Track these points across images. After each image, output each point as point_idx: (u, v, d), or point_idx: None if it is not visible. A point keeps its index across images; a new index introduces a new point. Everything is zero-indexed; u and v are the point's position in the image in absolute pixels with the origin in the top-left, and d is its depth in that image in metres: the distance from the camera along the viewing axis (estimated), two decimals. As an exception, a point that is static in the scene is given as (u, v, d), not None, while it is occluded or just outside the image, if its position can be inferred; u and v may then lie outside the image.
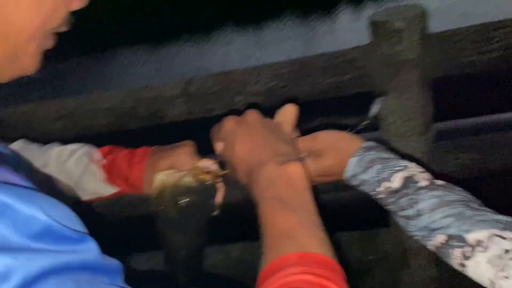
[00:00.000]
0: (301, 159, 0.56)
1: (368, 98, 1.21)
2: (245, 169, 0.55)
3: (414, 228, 0.59)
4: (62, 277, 0.28)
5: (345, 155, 0.64)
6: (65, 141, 1.31)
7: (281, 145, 0.56)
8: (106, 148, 0.77)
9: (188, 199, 0.65)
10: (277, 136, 0.58)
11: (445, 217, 0.56)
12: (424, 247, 1.33)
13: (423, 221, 0.58)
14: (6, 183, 0.30)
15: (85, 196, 0.76)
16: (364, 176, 0.62)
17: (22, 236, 0.27)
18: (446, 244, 0.56)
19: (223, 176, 0.67)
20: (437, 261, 1.39)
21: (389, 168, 0.61)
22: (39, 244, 0.28)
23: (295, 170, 0.51)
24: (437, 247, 0.58)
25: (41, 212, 0.29)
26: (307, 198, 0.50)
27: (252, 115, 0.60)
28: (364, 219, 1.65)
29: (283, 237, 0.44)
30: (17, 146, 0.77)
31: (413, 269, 1.37)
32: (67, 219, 0.31)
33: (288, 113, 0.62)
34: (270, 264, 0.42)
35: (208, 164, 0.66)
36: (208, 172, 0.65)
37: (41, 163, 0.75)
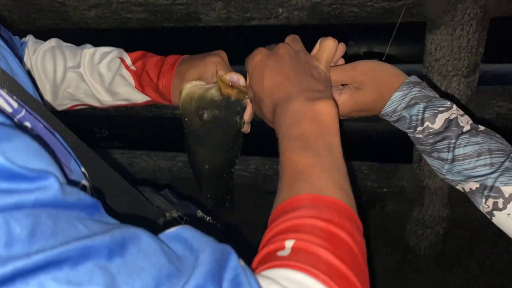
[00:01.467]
0: (333, 99, 0.52)
1: (418, 29, 1.14)
2: (270, 104, 0.52)
3: (447, 171, 0.58)
4: (15, 213, 0.26)
5: (387, 89, 0.59)
6: (97, 32, 1.29)
7: (312, 82, 0.52)
8: (136, 53, 0.74)
9: (211, 113, 0.62)
10: (309, 73, 0.53)
11: (484, 165, 0.54)
12: (441, 189, 1.34)
13: (459, 166, 0.56)
14: None
15: (119, 101, 0.75)
16: (405, 113, 0.59)
17: None
18: (478, 192, 0.55)
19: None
20: (451, 203, 1.40)
21: (433, 107, 0.57)
22: None
23: (325, 108, 0.47)
24: (466, 191, 0.57)
25: None
26: (334, 140, 0.46)
27: (285, 48, 0.55)
28: (386, 152, 1.64)
29: (299, 177, 0.42)
30: (50, 45, 0.75)
31: (426, 207, 1.38)
32: (24, 155, 0.28)
33: (327, 49, 0.56)
34: (281, 204, 0.40)
35: (235, 78, 0.62)
36: (233, 87, 0.61)
37: (74, 64, 0.73)
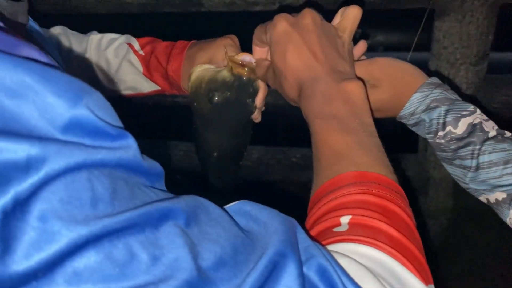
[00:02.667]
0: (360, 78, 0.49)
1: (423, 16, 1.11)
2: (295, 83, 0.49)
3: (470, 180, 0.54)
4: (96, 172, 0.24)
5: (406, 89, 0.56)
6: (96, 17, 1.26)
7: (339, 59, 0.49)
8: (145, 39, 0.72)
9: (222, 95, 0.59)
10: (335, 47, 0.50)
11: (511, 174, 0.51)
12: (446, 179, 1.32)
13: (484, 174, 0.53)
14: (33, 60, 0.25)
15: (125, 90, 0.73)
16: (425, 116, 0.55)
17: (47, 124, 0.23)
18: (505, 203, 0.51)
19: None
20: (455, 194, 1.38)
21: (455, 111, 0.53)
22: (67, 137, 0.24)
23: (355, 88, 0.45)
24: (491, 202, 0.53)
25: (71, 100, 0.24)
26: (368, 120, 0.44)
27: (310, 17, 0.50)
28: (390, 142, 1.62)
29: (340, 156, 0.40)
30: (55, 32, 0.73)
31: (430, 198, 1.36)
32: (104, 111, 0.26)
33: (352, 17, 0.52)
34: (323, 185, 0.38)
35: (248, 58, 0.59)
36: (244, 66, 0.59)
37: (80, 51, 0.71)
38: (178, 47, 0.68)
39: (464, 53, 1.06)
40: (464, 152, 0.54)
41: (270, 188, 1.44)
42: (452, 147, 0.54)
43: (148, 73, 0.70)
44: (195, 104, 0.62)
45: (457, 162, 0.55)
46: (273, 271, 0.27)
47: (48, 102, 0.24)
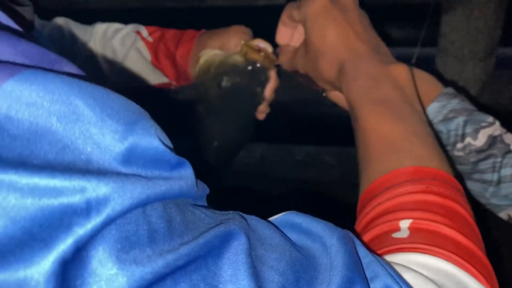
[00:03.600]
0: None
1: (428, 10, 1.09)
2: (335, 61, 0.45)
3: (491, 195, 0.52)
4: (153, 205, 0.21)
5: (422, 99, 0.52)
6: (98, 12, 1.24)
7: (381, 43, 0.46)
8: (153, 27, 0.70)
9: (231, 80, 0.57)
10: (374, 32, 0.47)
11: None
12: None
13: (507, 189, 0.50)
14: (70, 75, 0.22)
15: (131, 82, 0.71)
16: (443, 127, 0.53)
17: (104, 153, 0.21)
18: None
19: (277, 65, 0.57)
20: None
21: (475, 122, 0.51)
22: (127, 167, 0.21)
23: (403, 72, 0.42)
24: None
25: (129, 124, 0.22)
26: (419, 107, 0.41)
27: None
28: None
29: (393, 148, 0.36)
30: (57, 23, 0.71)
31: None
32: (162, 135, 0.24)
33: None
34: (376, 181, 0.35)
35: (263, 45, 0.57)
36: (259, 51, 0.56)
37: (84, 40, 0.69)
38: (189, 34, 0.67)
39: (472, 48, 1.04)
40: (484, 165, 0.51)
41: (273, 186, 1.42)
42: (472, 159, 0.52)
43: (156, 61, 0.68)
44: (201, 88, 0.60)
45: (476, 176, 0.52)
46: None
47: (104, 129, 0.21)
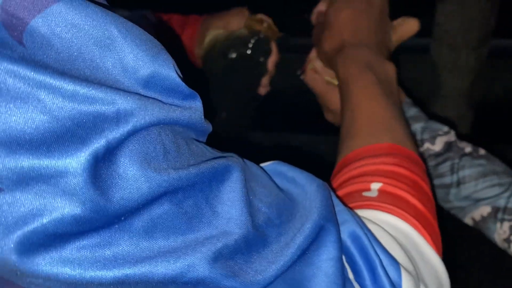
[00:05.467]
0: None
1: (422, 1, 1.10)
2: (338, 40, 0.50)
3: (453, 197, 0.55)
4: (165, 128, 0.24)
5: None
6: None
7: (386, 44, 0.51)
8: (157, 13, 0.73)
9: (237, 51, 0.61)
10: (386, 33, 0.53)
11: (492, 186, 0.52)
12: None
13: (466, 190, 0.53)
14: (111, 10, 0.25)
15: None
16: None
17: (130, 77, 0.24)
18: (491, 217, 0.52)
19: (279, 38, 0.61)
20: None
21: (432, 130, 0.56)
22: (148, 91, 0.24)
23: (393, 72, 0.47)
24: (477, 220, 0.54)
25: (153, 55, 0.25)
26: (399, 104, 0.46)
27: None
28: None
29: (379, 126, 0.41)
30: None
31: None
32: (177, 69, 0.26)
33: (409, 31, 0.56)
34: (361, 148, 0.40)
35: (265, 17, 0.62)
36: (262, 22, 0.61)
37: None
38: (193, 18, 0.70)
39: (466, 37, 1.05)
40: (443, 168, 0.55)
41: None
42: (431, 163, 0.56)
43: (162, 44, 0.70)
44: (208, 63, 0.63)
45: (437, 182, 0.55)
46: (318, 234, 0.28)
47: (132, 55, 0.24)
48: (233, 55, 0.60)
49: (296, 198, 0.30)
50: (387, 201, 0.34)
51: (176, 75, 0.25)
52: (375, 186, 0.35)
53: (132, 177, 0.22)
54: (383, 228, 0.31)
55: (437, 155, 0.55)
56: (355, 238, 0.29)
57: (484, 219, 0.52)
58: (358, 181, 0.36)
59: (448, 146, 0.55)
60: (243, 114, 0.69)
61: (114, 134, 0.22)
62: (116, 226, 0.22)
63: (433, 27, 1.09)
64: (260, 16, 0.61)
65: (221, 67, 0.62)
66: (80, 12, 0.22)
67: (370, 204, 0.34)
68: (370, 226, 0.31)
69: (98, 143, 0.21)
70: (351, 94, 0.44)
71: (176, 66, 0.26)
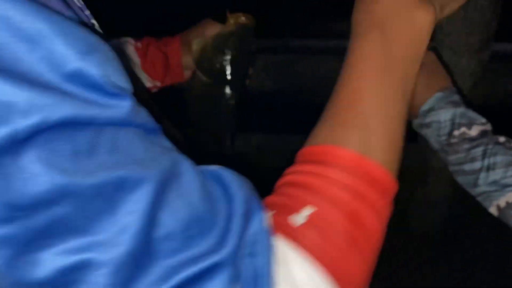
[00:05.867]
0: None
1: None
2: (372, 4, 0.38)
3: (482, 181, 0.56)
4: (81, 129, 0.25)
5: (435, 85, 0.59)
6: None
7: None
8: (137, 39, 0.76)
9: (234, 44, 0.66)
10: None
11: None
12: (446, 169, 1.31)
13: (495, 175, 0.54)
14: (48, 8, 0.26)
15: None
16: (442, 115, 0.58)
17: (53, 71, 0.25)
18: None
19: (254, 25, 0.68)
20: (455, 184, 1.38)
21: (471, 117, 0.57)
22: (68, 86, 0.25)
23: (425, 17, 0.37)
24: (502, 207, 0.55)
25: (81, 52, 0.25)
26: (412, 69, 0.37)
27: None
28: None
29: (353, 120, 0.35)
30: None
31: (430, 187, 1.36)
32: (110, 69, 0.27)
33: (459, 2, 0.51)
34: (319, 146, 0.35)
35: (242, 13, 0.67)
36: (241, 17, 0.67)
37: None
38: (169, 37, 0.74)
39: (468, 40, 1.05)
40: (476, 153, 0.56)
41: (268, 175, 1.44)
42: (466, 146, 0.57)
43: (146, 66, 0.73)
44: (204, 64, 0.67)
45: (467, 166, 0.57)
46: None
47: (59, 51, 0.25)
48: (232, 49, 0.66)
49: (221, 211, 0.29)
50: (310, 236, 0.30)
51: (103, 74, 0.26)
52: (307, 211, 0.31)
53: (32, 172, 0.23)
54: (290, 273, 0.29)
55: (472, 139, 0.57)
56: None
57: (509, 205, 0.54)
58: (295, 193, 0.33)
59: (484, 133, 0.57)
60: (244, 76, 0.74)
61: (21, 125, 0.23)
62: (16, 219, 0.23)
63: (435, 30, 1.09)
64: (237, 13, 0.67)
65: (219, 64, 0.67)
66: (13, 5, 0.24)
67: (289, 234, 0.30)
68: (277, 267, 0.29)
69: (3, 132, 0.22)
70: (345, 65, 0.37)
71: (113, 68, 0.27)
